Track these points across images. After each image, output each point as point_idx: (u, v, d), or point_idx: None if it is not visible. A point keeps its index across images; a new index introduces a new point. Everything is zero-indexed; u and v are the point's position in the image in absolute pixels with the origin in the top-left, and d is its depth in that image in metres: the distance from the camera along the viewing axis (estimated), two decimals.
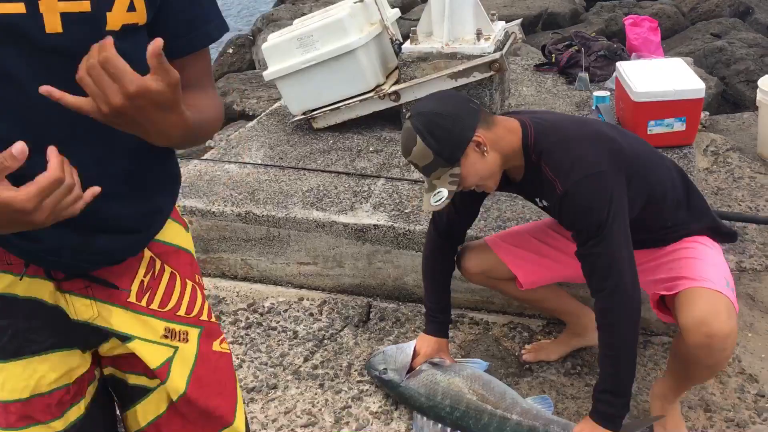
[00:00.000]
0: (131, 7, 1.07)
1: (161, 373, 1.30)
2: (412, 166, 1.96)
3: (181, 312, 1.33)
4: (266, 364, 2.55)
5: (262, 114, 3.95)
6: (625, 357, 1.85)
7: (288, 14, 7.31)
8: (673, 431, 2.03)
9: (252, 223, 2.88)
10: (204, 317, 1.38)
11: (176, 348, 1.31)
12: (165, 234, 1.33)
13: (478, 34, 3.22)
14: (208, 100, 1.22)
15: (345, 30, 3.23)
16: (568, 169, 1.83)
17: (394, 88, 3.31)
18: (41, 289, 1.21)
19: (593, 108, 3.36)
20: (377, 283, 2.82)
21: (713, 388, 2.29)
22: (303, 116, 3.51)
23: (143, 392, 1.34)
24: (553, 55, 4.06)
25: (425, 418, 2.16)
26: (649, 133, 3.02)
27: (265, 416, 2.31)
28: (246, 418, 1.47)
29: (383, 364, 2.29)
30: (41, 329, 1.23)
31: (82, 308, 1.24)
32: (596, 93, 3.39)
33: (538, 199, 2.04)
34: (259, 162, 3.27)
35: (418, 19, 3.42)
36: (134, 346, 1.27)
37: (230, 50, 7.03)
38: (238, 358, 2.58)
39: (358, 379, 2.44)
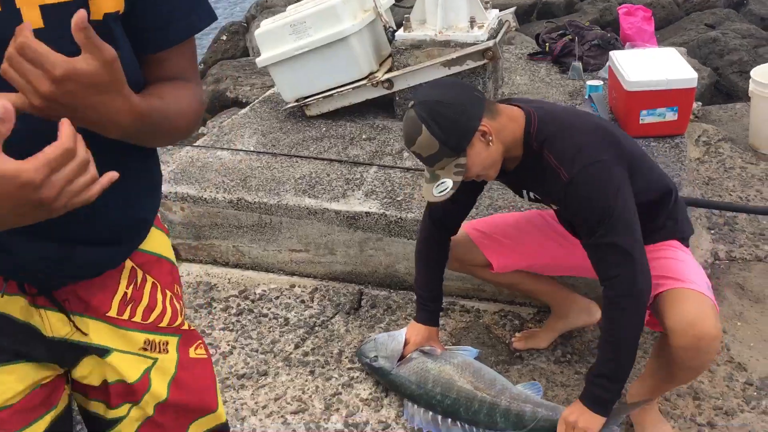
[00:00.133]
0: None
1: (141, 386, 1.24)
2: (414, 156, 1.92)
3: (164, 323, 1.27)
4: (257, 351, 2.55)
5: (255, 101, 3.93)
6: (627, 344, 1.85)
7: (282, 0, 7.27)
8: (653, 428, 2.03)
9: (244, 209, 2.88)
10: (185, 326, 1.32)
11: (155, 359, 1.26)
12: (147, 243, 1.25)
13: (472, 22, 3.21)
14: (183, 91, 1.13)
15: (338, 17, 3.22)
16: (573, 156, 1.82)
17: (387, 75, 3.30)
18: (12, 305, 1.12)
19: (586, 97, 3.36)
20: (369, 270, 2.83)
21: (702, 377, 2.31)
22: (296, 103, 3.50)
23: (110, 423, 1.27)
24: (547, 44, 4.05)
25: (416, 406, 2.17)
26: (641, 122, 3.03)
27: (255, 402, 2.31)
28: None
29: (374, 351, 2.29)
30: (8, 343, 1.13)
31: (57, 324, 1.15)
32: (589, 82, 3.39)
33: (526, 191, 2.04)
34: (252, 149, 3.26)
35: (411, 7, 3.41)
36: (112, 360, 1.21)
37: (224, 37, 7.00)
38: (228, 345, 2.58)
39: (349, 366, 2.44)
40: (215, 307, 2.80)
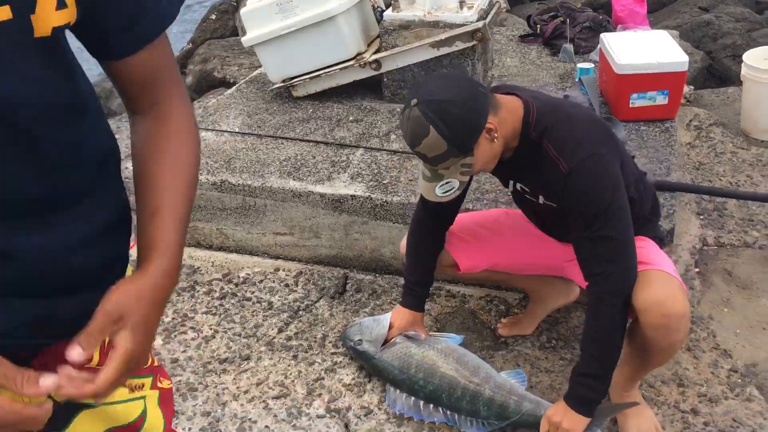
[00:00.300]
0: (61, 3, 0.84)
1: (137, 424, 1.16)
2: (417, 156, 1.85)
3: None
4: (240, 335, 2.52)
5: (242, 81, 3.88)
6: (613, 342, 1.83)
7: None
8: (636, 415, 2.02)
9: (227, 192, 2.84)
10: (155, 363, 1.23)
11: (143, 397, 1.17)
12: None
13: (461, 3, 3.15)
14: (178, 144, 1.01)
15: None
16: (574, 148, 1.79)
17: (375, 56, 3.25)
18: None
19: (576, 80, 3.32)
20: (354, 254, 2.79)
21: (687, 363, 2.29)
22: (282, 84, 3.44)
23: None
24: (538, 26, 4.00)
25: (398, 391, 2.15)
26: (631, 106, 2.99)
27: (237, 387, 2.29)
28: None
29: (359, 335, 2.26)
30: None
31: None
32: (580, 65, 3.35)
33: (512, 182, 2.01)
34: (237, 130, 3.21)
35: None
36: (103, 409, 1.10)
37: (213, 16, 6.89)
38: (211, 329, 2.56)
39: (333, 351, 2.42)
40: (198, 291, 2.76)
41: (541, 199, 1.97)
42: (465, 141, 1.76)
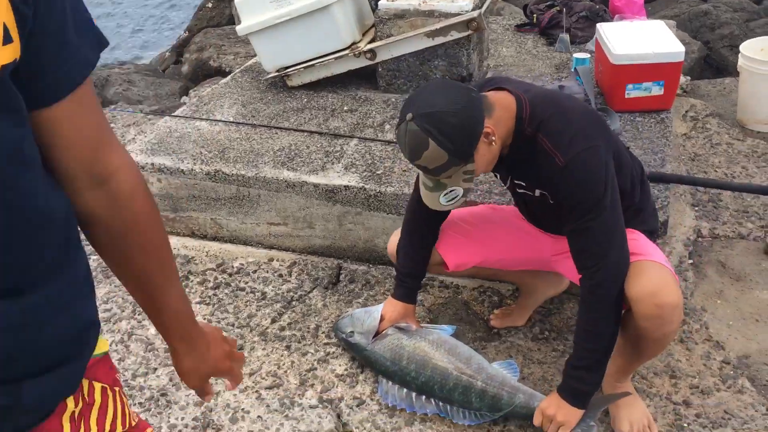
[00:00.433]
0: (6, 37, 0.75)
1: None
2: (417, 169, 1.85)
3: (118, 430, 1.13)
4: (233, 325, 2.52)
5: (237, 71, 3.86)
6: (607, 334, 1.84)
7: None
8: (628, 407, 2.02)
9: (221, 182, 2.83)
10: (134, 421, 1.19)
11: None
12: None
13: None
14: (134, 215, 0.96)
15: None
16: (569, 141, 1.78)
17: (369, 46, 3.24)
18: None
19: (572, 70, 3.31)
20: (348, 244, 2.79)
21: (679, 355, 2.30)
22: (277, 73, 3.43)
23: None
24: (535, 16, 3.98)
25: (390, 383, 2.15)
26: (626, 96, 2.98)
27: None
28: None
29: (350, 326, 2.26)
30: None
31: None
32: (576, 55, 3.33)
33: (509, 177, 2.00)
34: (231, 120, 3.20)
35: None
36: None
37: (210, 4, 6.86)
38: (204, 319, 2.55)
39: (325, 341, 2.42)
40: (192, 281, 2.76)
41: (537, 193, 1.96)
42: (465, 149, 1.76)
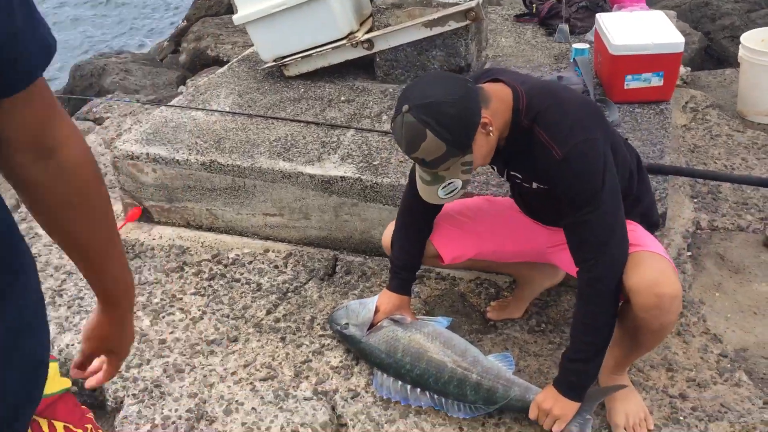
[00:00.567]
0: None
1: None
2: (415, 162, 1.82)
3: None
4: (228, 317, 2.50)
5: (234, 60, 3.83)
6: (605, 327, 1.82)
7: None
8: (624, 400, 2.01)
9: (217, 172, 2.81)
10: None
11: None
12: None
13: None
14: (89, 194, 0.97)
15: None
16: (567, 133, 1.76)
17: (367, 36, 3.21)
18: None
19: (571, 60, 3.28)
20: (344, 236, 2.77)
21: (676, 348, 2.28)
22: (274, 63, 3.40)
23: None
24: (534, 6, 3.95)
25: (385, 375, 2.14)
26: (625, 87, 2.96)
27: (224, 369, 2.28)
28: None
29: (345, 318, 2.25)
30: None
31: None
32: (575, 45, 3.30)
33: (506, 169, 1.98)
34: (227, 110, 3.17)
35: None
36: None
37: None
38: (199, 310, 2.54)
39: (321, 333, 2.40)
40: (187, 272, 2.74)
41: (534, 185, 1.94)
42: (463, 139, 1.74)
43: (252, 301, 2.57)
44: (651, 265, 1.79)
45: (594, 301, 1.82)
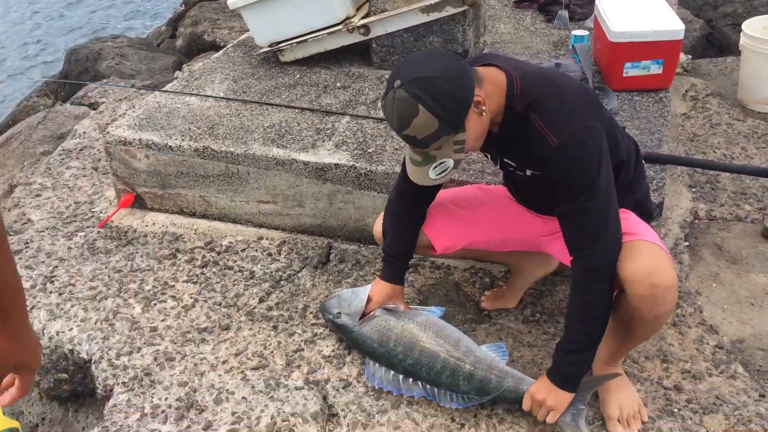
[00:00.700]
0: None
1: None
2: (404, 141, 1.77)
3: None
4: (220, 305, 2.48)
5: (229, 45, 3.79)
6: (599, 317, 1.80)
7: None
8: (618, 391, 1.99)
9: (210, 158, 2.77)
10: None
11: None
12: None
13: None
14: None
15: None
16: (564, 121, 1.73)
17: (363, 21, 3.17)
18: None
19: (570, 48, 3.24)
20: (338, 224, 2.74)
21: (672, 339, 2.26)
22: (270, 49, 3.36)
23: None
24: None
25: (377, 365, 2.12)
26: (624, 75, 2.92)
27: (216, 357, 2.26)
28: None
29: (337, 307, 2.22)
30: None
31: None
32: (574, 32, 3.26)
33: (500, 157, 1.95)
34: (222, 95, 3.14)
35: None
36: None
37: None
38: (191, 298, 2.52)
39: (313, 321, 2.38)
40: (180, 259, 2.72)
41: (528, 172, 1.91)
42: (456, 116, 1.69)
43: (244, 289, 2.55)
44: (646, 255, 1.76)
45: (589, 291, 1.79)
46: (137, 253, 2.75)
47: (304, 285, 2.55)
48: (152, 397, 2.13)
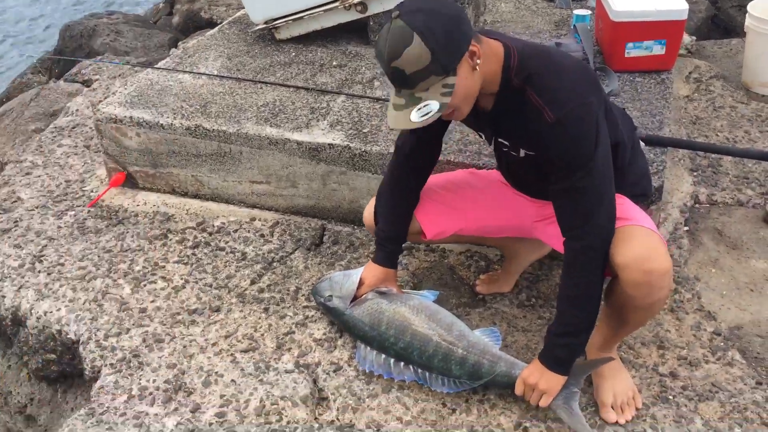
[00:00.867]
0: None
1: None
2: (390, 75, 1.66)
3: None
4: (211, 286, 2.45)
5: (224, 22, 3.72)
6: (591, 298, 1.76)
7: None
8: (612, 377, 1.95)
9: (202, 137, 2.73)
10: None
11: None
12: None
13: None
14: None
15: None
16: (562, 97, 1.67)
17: None
18: None
19: (572, 27, 3.17)
20: (332, 205, 2.70)
21: (669, 325, 2.22)
22: (265, 26, 3.30)
23: None
24: None
25: (368, 348, 2.08)
26: (626, 55, 2.86)
27: (205, 339, 2.22)
28: None
29: (329, 290, 2.19)
30: None
31: None
32: (576, 11, 3.19)
33: (494, 136, 1.89)
34: (215, 73, 3.08)
35: None
36: None
37: None
38: (182, 279, 2.48)
39: (305, 304, 2.35)
40: (171, 239, 2.68)
41: (522, 152, 1.86)
42: (449, 55, 1.61)
43: (236, 271, 2.51)
44: (640, 240, 1.72)
45: (581, 272, 1.75)
46: (128, 233, 2.71)
47: (296, 267, 2.52)
48: (140, 379, 2.09)
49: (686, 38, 3.94)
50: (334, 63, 3.12)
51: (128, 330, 2.27)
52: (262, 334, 2.24)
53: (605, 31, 2.96)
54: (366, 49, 3.22)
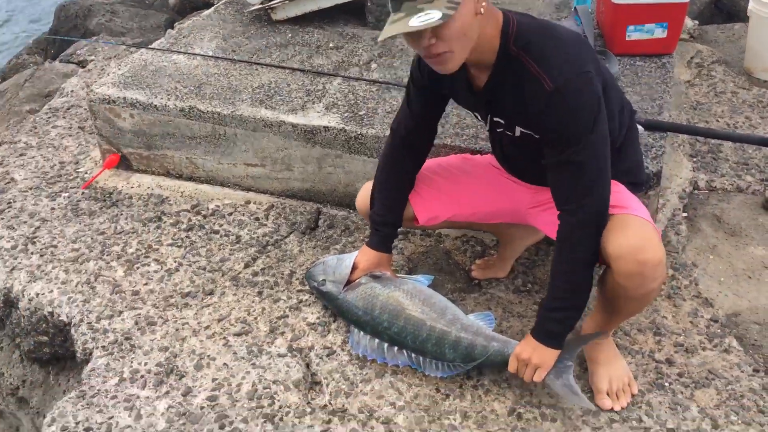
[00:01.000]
0: None
1: None
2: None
3: None
4: (204, 269, 2.42)
5: (220, 2, 3.68)
6: (583, 274, 1.73)
7: None
8: (608, 363, 1.93)
9: (196, 119, 2.69)
10: None
11: None
12: None
13: None
14: None
15: None
16: (561, 65, 1.63)
17: None
18: None
19: (572, 9, 3.13)
20: (327, 188, 2.67)
21: (665, 311, 2.20)
22: (261, 6, 3.26)
23: None
24: None
25: (362, 333, 2.06)
26: (627, 38, 2.82)
27: (198, 323, 2.20)
28: None
29: (322, 274, 2.17)
30: None
31: None
32: None
33: (491, 116, 1.86)
34: (210, 54, 3.04)
35: None
36: None
37: None
38: (175, 261, 2.46)
39: (299, 288, 2.32)
40: (165, 222, 2.65)
41: (517, 131, 1.82)
42: None
43: (230, 254, 2.49)
44: (634, 230, 1.69)
45: (574, 247, 1.72)
46: (121, 215, 2.69)
47: (291, 251, 2.49)
48: (132, 362, 2.08)
49: (688, 22, 3.89)
50: (331, 45, 3.08)
51: (120, 312, 2.25)
52: (256, 318, 2.22)
53: (606, 13, 2.92)
54: (363, 31, 3.18)
